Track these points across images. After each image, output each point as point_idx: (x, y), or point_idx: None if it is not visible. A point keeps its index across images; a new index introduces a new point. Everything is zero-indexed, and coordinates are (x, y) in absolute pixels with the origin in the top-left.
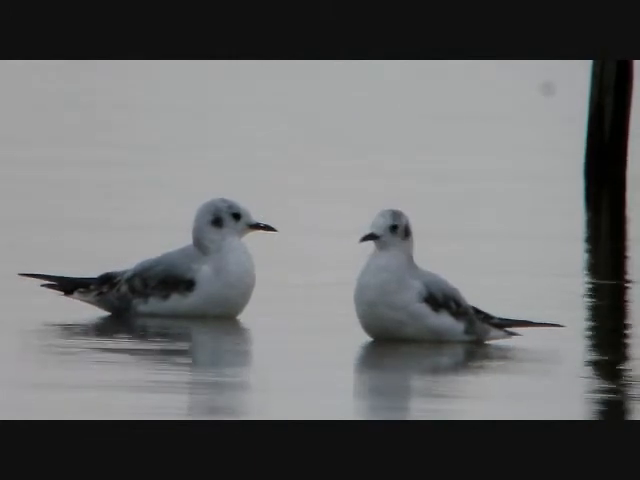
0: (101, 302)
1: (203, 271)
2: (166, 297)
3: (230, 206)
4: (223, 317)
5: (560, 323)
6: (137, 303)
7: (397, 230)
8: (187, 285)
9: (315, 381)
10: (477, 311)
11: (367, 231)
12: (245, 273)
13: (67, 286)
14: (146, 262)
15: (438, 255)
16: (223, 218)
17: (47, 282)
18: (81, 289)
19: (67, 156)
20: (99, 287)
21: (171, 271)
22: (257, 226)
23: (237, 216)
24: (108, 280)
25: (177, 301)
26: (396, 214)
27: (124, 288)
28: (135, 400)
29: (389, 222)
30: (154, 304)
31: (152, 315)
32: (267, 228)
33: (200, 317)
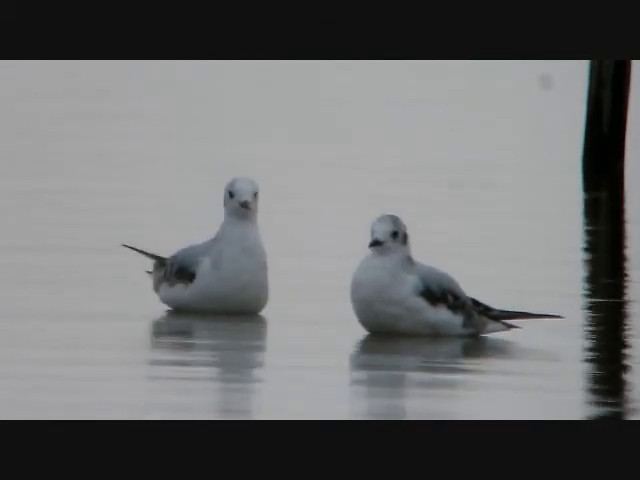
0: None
1: (203, 264)
2: (172, 285)
3: (231, 183)
4: (224, 312)
5: (560, 314)
6: (161, 288)
7: (397, 236)
8: (189, 277)
9: (313, 375)
10: (476, 303)
11: (370, 237)
12: (240, 270)
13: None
14: (178, 250)
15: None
16: (224, 196)
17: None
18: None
19: None
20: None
21: (182, 262)
22: (245, 204)
23: (232, 194)
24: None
25: (180, 291)
26: (395, 220)
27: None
28: (134, 400)
29: (391, 228)
30: (164, 290)
31: (161, 302)
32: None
33: (199, 310)
